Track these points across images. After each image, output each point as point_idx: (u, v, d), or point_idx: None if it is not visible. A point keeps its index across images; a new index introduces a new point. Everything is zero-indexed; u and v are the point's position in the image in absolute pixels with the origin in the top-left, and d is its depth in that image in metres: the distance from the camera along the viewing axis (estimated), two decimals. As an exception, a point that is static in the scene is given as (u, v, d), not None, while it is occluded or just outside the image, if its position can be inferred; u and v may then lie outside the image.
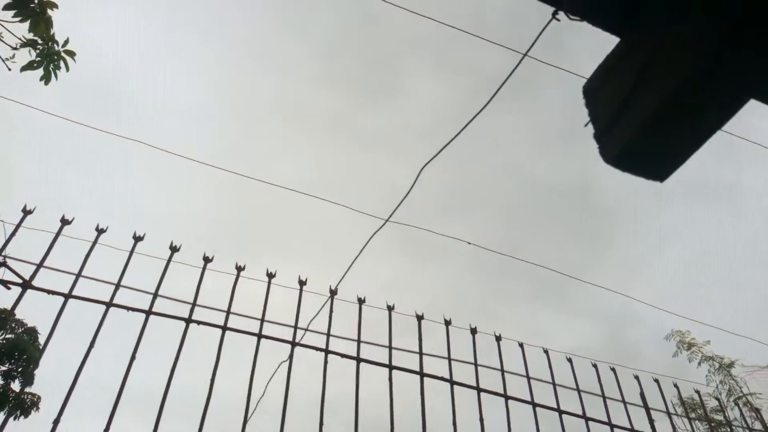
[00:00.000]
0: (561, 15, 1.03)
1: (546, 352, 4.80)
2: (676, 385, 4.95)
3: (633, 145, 0.91)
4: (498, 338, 4.49)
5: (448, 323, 4.36)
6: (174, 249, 3.73)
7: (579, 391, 4.55)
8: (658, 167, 0.94)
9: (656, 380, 4.98)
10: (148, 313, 3.32)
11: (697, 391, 5.23)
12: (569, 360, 4.82)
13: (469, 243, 4.05)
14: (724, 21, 0.82)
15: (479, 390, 4.12)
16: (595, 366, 4.93)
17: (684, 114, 0.87)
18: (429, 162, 1.33)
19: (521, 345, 4.72)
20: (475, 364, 4.33)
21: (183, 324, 3.41)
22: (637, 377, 5.00)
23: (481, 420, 3.89)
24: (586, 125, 1.00)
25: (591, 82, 1.04)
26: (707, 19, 0.84)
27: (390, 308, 4.26)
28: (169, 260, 3.67)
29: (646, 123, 0.88)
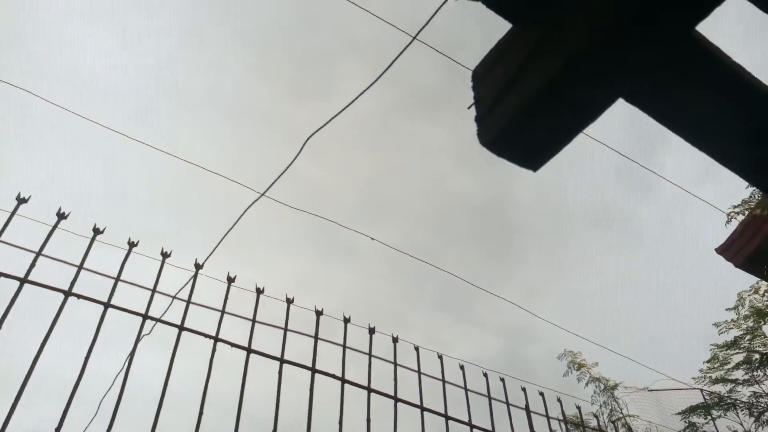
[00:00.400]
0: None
1: (440, 357, 4.88)
2: (559, 400, 5.13)
3: (508, 130, 0.89)
4: (395, 340, 4.52)
5: (347, 321, 4.32)
6: (96, 231, 3.49)
7: (467, 394, 4.63)
8: (531, 155, 0.94)
9: (541, 393, 5.20)
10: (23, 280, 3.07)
11: (578, 407, 5.45)
12: (461, 367, 4.95)
13: (373, 239, 4.03)
14: (607, 13, 0.81)
15: (369, 390, 4.11)
16: (485, 375, 5.10)
17: (557, 104, 0.87)
18: (315, 132, 1.29)
19: (417, 348, 4.77)
20: (369, 364, 4.32)
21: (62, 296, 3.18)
22: (524, 389, 5.22)
23: (368, 420, 3.88)
24: (469, 107, 0.98)
25: (481, 66, 1.03)
26: (589, 10, 0.83)
27: (289, 301, 4.18)
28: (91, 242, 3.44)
29: (523, 108, 0.86)
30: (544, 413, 5.04)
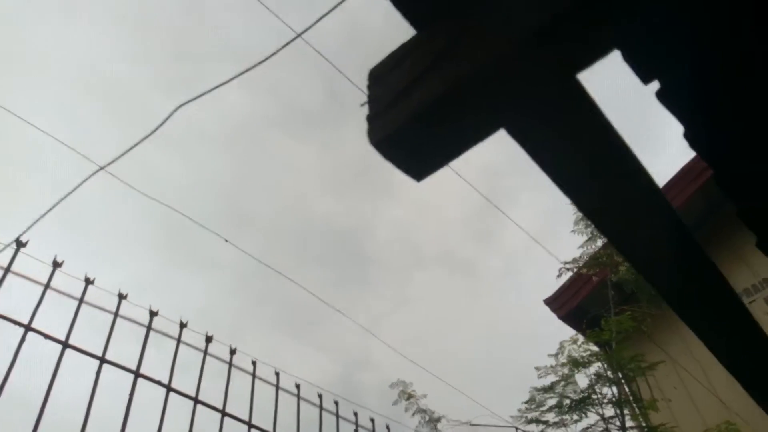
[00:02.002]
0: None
1: (277, 374, 4.77)
2: (388, 427, 5.21)
3: (398, 133, 0.87)
4: (232, 352, 4.32)
5: (183, 326, 4.06)
6: None
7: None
8: (418, 163, 0.92)
9: (372, 419, 5.29)
10: None
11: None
12: (297, 386, 4.89)
13: (226, 240, 3.86)
14: (504, 39, 0.83)
15: (196, 401, 3.87)
16: (320, 396, 5.07)
17: (444, 119, 0.87)
18: (187, 102, 1.19)
19: (254, 363, 4.63)
20: (200, 374, 4.08)
21: None
22: (355, 413, 5.26)
23: (190, 430, 3.64)
24: (362, 105, 0.95)
25: (380, 66, 1.00)
26: (489, 33, 0.84)
27: (121, 296, 3.84)
28: None
29: (415, 115, 0.85)
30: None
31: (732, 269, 7.17)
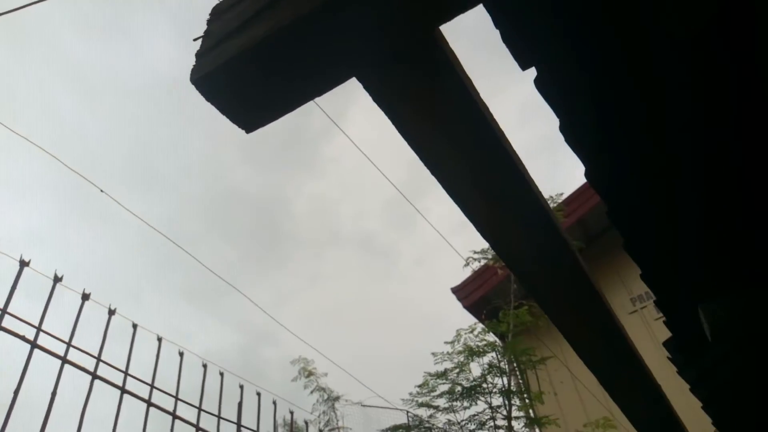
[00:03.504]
0: None
1: (181, 354, 4.61)
2: (274, 402, 5.14)
3: (223, 70, 0.77)
4: (111, 312, 4.09)
5: (57, 279, 3.79)
6: None
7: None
8: (244, 109, 0.82)
9: (274, 402, 5.23)
10: None
11: (291, 412, 5.51)
12: (204, 366, 4.75)
13: (102, 191, 3.61)
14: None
15: (64, 360, 3.64)
16: (221, 374, 4.95)
17: (281, 59, 0.77)
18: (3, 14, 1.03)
19: (159, 339, 4.44)
20: (73, 330, 3.84)
21: None
22: (258, 394, 5.17)
23: (54, 394, 3.41)
24: (195, 39, 0.84)
25: (224, 1, 0.89)
26: None
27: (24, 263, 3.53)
28: None
29: (245, 51, 0.75)
30: (273, 414, 5.11)
31: (629, 275, 7.53)
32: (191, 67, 0.79)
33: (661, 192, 1.39)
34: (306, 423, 7.05)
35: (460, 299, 9.83)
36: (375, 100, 1.03)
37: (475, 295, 9.37)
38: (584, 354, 1.94)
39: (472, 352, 6.98)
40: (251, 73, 0.77)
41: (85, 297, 4.04)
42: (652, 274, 1.64)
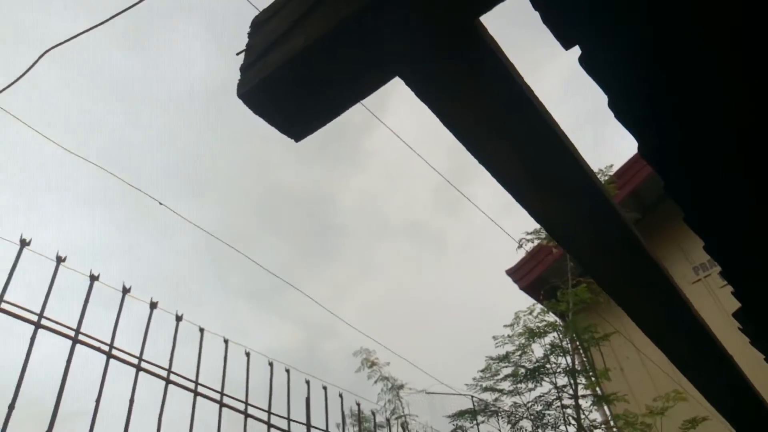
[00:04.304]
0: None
1: (248, 354, 4.74)
2: (358, 404, 5.23)
3: (268, 83, 0.78)
4: (201, 330, 4.25)
5: (126, 291, 3.94)
6: None
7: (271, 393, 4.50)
8: (291, 118, 0.83)
9: (341, 395, 5.32)
10: None
11: (358, 404, 5.58)
12: (270, 364, 4.86)
13: (161, 203, 3.72)
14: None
15: (138, 368, 3.79)
16: (287, 371, 5.07)
17: (324, 66, 0.78)
18: (55, 47, 1.08)
19: (226, 341, 4.57)
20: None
21: None
22: (325, 388, 5.27)
23: (131, 401, 3.56)
24: (238, 54, 0.85)
25: (262, 14, 0.91)
26: None
27: (60, 260, 3.70)
28: None
29: (287, 62, 0.76)
30: (340, 407, 5.20)
31: (690, 243, 7.29)
32: (237, 81, 0.81)
33: (721, 163, 1.34)
34: (373, 413, 7.14)
35: (515, 281, 9.72)
36: (420, 96, 1.02)
37: (530, 275, 9.25)
38: (649, 329, 1.90)
39: (532, 334, 6.90)
40: (295, 84, 0.78)
41: (153, 306, 4.19)
42: (716, 246, 1.58)
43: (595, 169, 7.83)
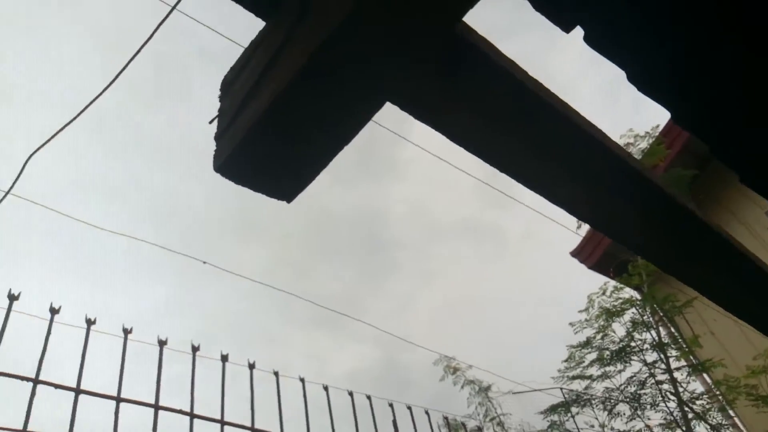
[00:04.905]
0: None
1: (326, 389, 4.72)
2: (446, 417, 5.13)
3: (241, 150, 0.71)
4: (251, 366, 4.25)
5: (195, 349, 3.99)
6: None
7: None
8: (278, 181, 0.77)
9: (426, 412, 5.23)
10: None
11: (446, 417, 5.46)
12: (350, 394, 4.82)
13: (204, 262, 3.75)
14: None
15: (222, 423, 3.81)
16: (369, 398, 5.01)
17: (305, 112, 0.71)
18: (37, 150, 1.08)
19: (302, 380, 4.56)
20: (222, 394, 4.01)
21: None
22: (409, 407, 5.20)
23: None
24: (211, 122, 0.80)
25: (230, 72, 0.85)
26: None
27: (126, 332, 3.78)
28: None
29: (260, 121, 0.69)
30: (429, 424, 5.10)
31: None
32: (212, 153, 0.75)
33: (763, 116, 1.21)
34: (463, 424, 6.99)
35: (581, 261, 9.41)
36: (417, 117, 0.95)
37: (596, 253, 8.92)
38: (726, 304, 1.74)
39: (610, 314, 6.63)
40: (270, 143, 0.72)
41: (224, 359, 4.22)
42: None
43: (641, 132, 7.52)
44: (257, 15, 0.82)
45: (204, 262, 3.68)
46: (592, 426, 6.73)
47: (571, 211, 1.24)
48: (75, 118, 1.04)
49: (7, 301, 3.51)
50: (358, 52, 0.70)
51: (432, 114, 0.95)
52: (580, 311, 6.81)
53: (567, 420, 6.85)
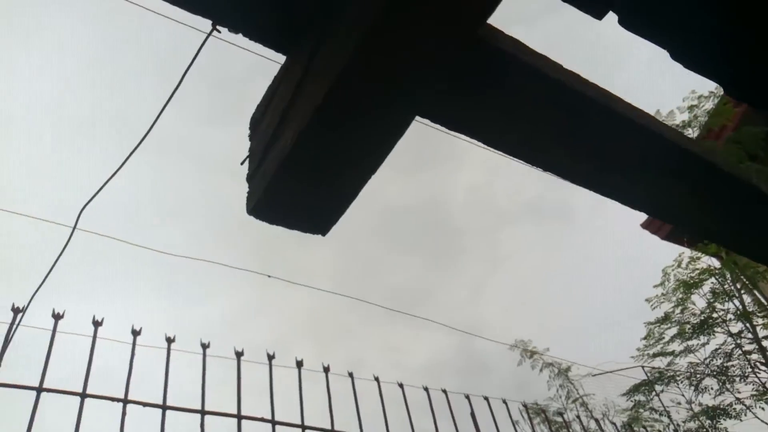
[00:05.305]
0: (223, 29, 0.84)
1: (401, 386, 4.75)
2: (524, 405, 5.07)
3: (271, 191, 0.72)
4: (326, 369, 4.32)
5: (271, 357, 4.09)
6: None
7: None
8: (311, 217, 0.77)
9: (504, 401, 5.19)
10: None
11: (525, 405, 5.38)
12: (425, 389, 4.83)
13: (270, 276, 3.83)
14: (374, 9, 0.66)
15: (303, 427, 3.90)
16: (444, 391, 5.00)
17: (330, 148, 0.70)
18: (89, 202, 1.11)
19: (377, 379, 4.61)
20: (301, 400, 4.10)
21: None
22: (486, 398, 5.17)
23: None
24: (242, 163, 0.81)
25: (257, 110, 0.85)
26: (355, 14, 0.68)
27: (204, 347, 3.92)
28: None
29: (285, 163, 0.69)
30: (508, 414, 5.06)
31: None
32: (245, 195, 0.76)
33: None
34: (542, 409, 6.89)
35: (653, 232, 9.05)
36: (450, 129, 0.93)
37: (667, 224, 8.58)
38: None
39: (688, 286, 6.36)
40: (297, 183, 0.72)
41: (299, 364, 4.31)
42: None
43: (706, 93, 7.14)
44: (277, 51, 0.83)
45: (269, 276, 3.76)
46: (679, 403, 6.48)
47: (636, 207, 1.20)
48: (120, 167, 1.08)
49: (92, 327, 3.70)
50: (382, 70, 0.69)
51: (465, 125, 0.93)
52: (656, 286, 6.57)
53: (651, 399, 6.64)
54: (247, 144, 0.86)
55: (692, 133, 7.13)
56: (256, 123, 0.83)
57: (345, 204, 0.76)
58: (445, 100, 0.88)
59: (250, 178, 0.77)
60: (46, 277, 1.52)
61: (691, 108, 6.96)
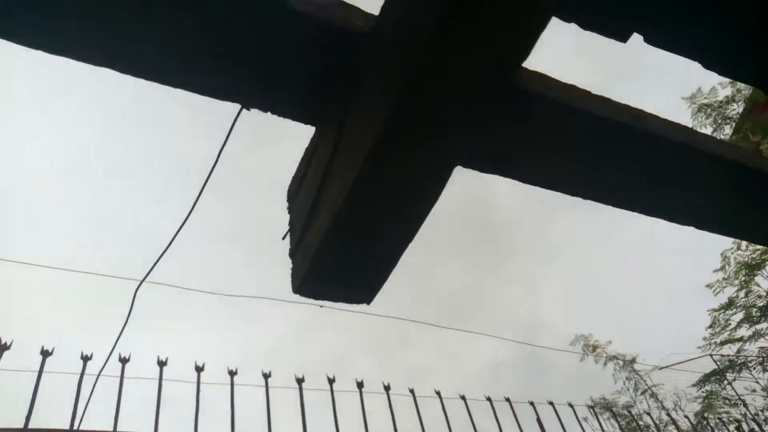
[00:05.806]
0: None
1: (438, 394, 4.70)
2: (591, 407, 4.97)
3: (314, 270, 0.73)
4: (386, 388, 4.33)
5: (300, 381, 4.12)
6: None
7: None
8: (355, 288, 0.78)
9: (570, 404, 5.08)
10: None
11: (592, 406, 5.27)
12: (488, 399, 4.76)
13: (321, 306, 3.83)
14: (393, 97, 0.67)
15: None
16: (508, 400, 4.93)
17: (367, 222, 0.71)
18: (142, 281, 1.13)
19: (412, 391, 4.58)
20: (364, 418, 4.12)
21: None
22: (551, 402, 5.07)
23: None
24: (283, 238, 0.82)
25: (293, 182, 0.87)
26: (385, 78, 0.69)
27: (199, 370, 4.00)
28: None
29: (325, 242, 0.70)
30: (575, 416, 4.96)
31: None
32: (290, 271, 0.78)
33: None
34: (610, 407, 6.72)
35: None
36: (490, 172, 0.93)
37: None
38: None
39: (750, 267, 6.11)
40: (338, 260, 0.73)
41: (360, 385, 4.33)
42: None
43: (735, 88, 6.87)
44: (306, 124, 0.84)
45: (321, 306, 3.77)
46: (754, 390, 6.22)
47: (685, 223, 1.18)
48: (174, 238, 1.11)
49: (157, 368, 3.80)
50: (417, 123, 0.69)
51: (499, 168, 0.92)
52: (715, 270, 6.34)
53: (723, 388, 6.39)
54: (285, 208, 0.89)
55: (737, 108, 6.88)
56: (293, 196, 0.85)
57: (387, 272, 0.77)
58: (485, 146, 0.88)
59: (292, 254, 0.79)
60: (123, 328, 1.57)
61: (733, 82, 6.73)
